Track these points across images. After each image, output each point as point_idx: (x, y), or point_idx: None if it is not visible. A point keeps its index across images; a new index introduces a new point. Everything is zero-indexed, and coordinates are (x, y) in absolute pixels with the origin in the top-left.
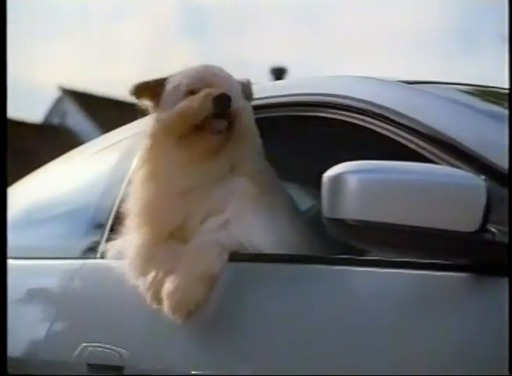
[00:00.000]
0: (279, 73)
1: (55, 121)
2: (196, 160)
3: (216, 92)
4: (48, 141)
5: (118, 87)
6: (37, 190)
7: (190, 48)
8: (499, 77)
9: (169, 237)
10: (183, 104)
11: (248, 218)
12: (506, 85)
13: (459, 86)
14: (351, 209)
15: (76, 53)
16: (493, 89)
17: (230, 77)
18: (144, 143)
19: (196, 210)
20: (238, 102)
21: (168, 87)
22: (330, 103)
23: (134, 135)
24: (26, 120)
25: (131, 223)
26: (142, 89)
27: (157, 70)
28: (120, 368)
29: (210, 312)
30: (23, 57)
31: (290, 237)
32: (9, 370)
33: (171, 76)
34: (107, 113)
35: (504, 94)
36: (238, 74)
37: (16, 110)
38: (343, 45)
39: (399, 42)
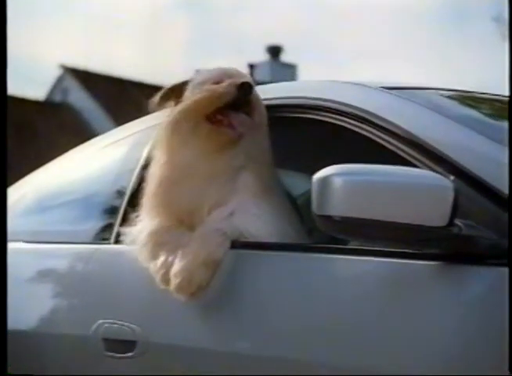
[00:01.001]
0: (275, 51)
1: (57, 98)
2: (211, 152)
3: (240, 80)
4: (51, 117)
5: (118, 64)
6: (53, 178)
7: (188, 24)
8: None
9: (179, 224)
10: (210, 87)
11: (250, 211)
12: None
13: (441, 91)
14: (338, 207)
15: (76, 31)
16: (472, 94)
17: (248, 76)
18: (163, 130)
19: (205, 200)
20: (256, 93)
21: (193, 84)
22: (320, 106)
23: (146, 129)
24: (29, 97)
25: (145, 207)
26: (165, 96)
27: (155, 47)
28: (133, 342)
29: (215, 292)
30: (24, 35)
31: (285, 229)
32: (28, 344)
33: (192, 77)
34: (108, 90)
35: (482, 98)
36: (234, 52)
37: (19, 87)
38: (340, 22)
39: (396, 16)
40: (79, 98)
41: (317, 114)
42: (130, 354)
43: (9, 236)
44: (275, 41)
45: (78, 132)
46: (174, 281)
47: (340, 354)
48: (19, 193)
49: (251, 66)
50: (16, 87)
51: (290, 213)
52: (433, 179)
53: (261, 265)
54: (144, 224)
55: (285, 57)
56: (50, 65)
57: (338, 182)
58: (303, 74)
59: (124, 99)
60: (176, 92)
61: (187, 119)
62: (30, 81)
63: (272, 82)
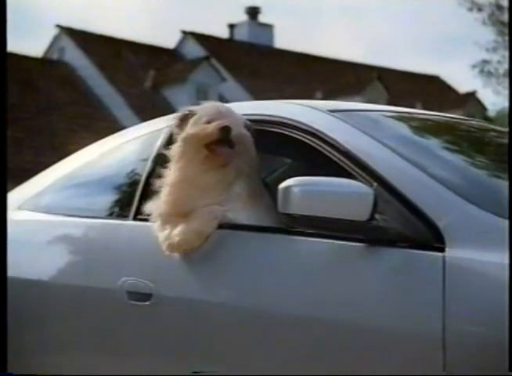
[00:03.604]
0: (253, 11)
1: (54, 56)
2: (207, 170)
3: (222, 123)
4: (48, 74)
5: (112, 25)
6: (79, 164)
7: None
8: None
9: (180, 217)
10: (201, 127)
11: (236, 206)
12: None
13: (384, 112)
14: (296, 207)
15: None
16: (409, 114)
17: (234, 113)
18: (178, 145)
19: (201, 204)
20: (238, 131)
21: (194, 118)
22: (277, 121)
23: (156, 130)
24: (28, 54)
25: (162, 194)
26: (180, 121)
27: (147, 8)
28: (149, 295)
29: (210, 258)
30: None
31: (261, 216)
32: (64, 294)
33: (193, 111)
34: (102, 49)
35: (417, 118)
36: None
37: (21, 44)
38: None
39: None
40: (75, 56)
41: (277, 128)
42: (147, 303)
43: (52, 209)
44: (253, 2)
45: (74, 88)
46: (173, 242)
47: (300, 305)
48: (56, 174)
49: (231, 26)
50: (18, 44)
51: (270, 211)
52: (359, 187)
53: (240, 241)
54: (158, 204)
55: (263, 18)
56: (48, 24)
57: (296, 190)
58: (279, 33)
59: (117, 57)
60: (183, 121)
61: (190, 146)
62: (30, 39)
63: (250, 41)
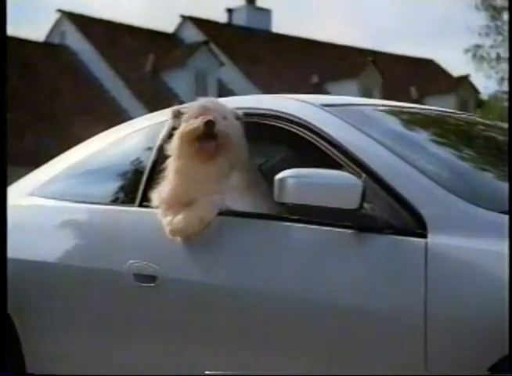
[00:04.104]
0: None
1: (56, 40)
2: (201, 162)
3: (205, 118)
4: (50, 57)
5: (112, 9)
6: (87, 153)
7: None
8: None
9: (182, 205)
10: (188, 124)
11: (234, 194)
12: None
13: (376, 106)
14: (290, 197)
15: None
16: (401, 108)
17: (222, 107)
18: (174, 141)
19: (199, 195)
20: (223, 124)
21: (186, 115)
22: (274, 115)
23: (163, 121)
24: (31, 38)
25: (165, 185)
26: (174, 117)
27: None
28: (154, 277)
29: (210, 243)
30: None
31: (258, 204)
32: (73, 275)
33: (184, 107)
34: (102, 33)
35: (407, 112)
36: None
37: (23, 29)
38: None
39: None
40: (76, 40)
41: (274, 121)
42: (152, 284)
43: (61, 196)
44: None
45: (75, 72)
46: (177, 228)
47: (293, 286)
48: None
49: (229, 11)
50: (19, 29)
51: (267, 199)
52: (349, 179)
53: (238, 227)
54: (162, 193)
55: (260, 3)
56: (50, 9)
57: (291, 181)
58: (276, 18)
59: (116, 41)
60: (177, 117)
61: (184, 140)
62: (31, 23)
63: (248, 26)
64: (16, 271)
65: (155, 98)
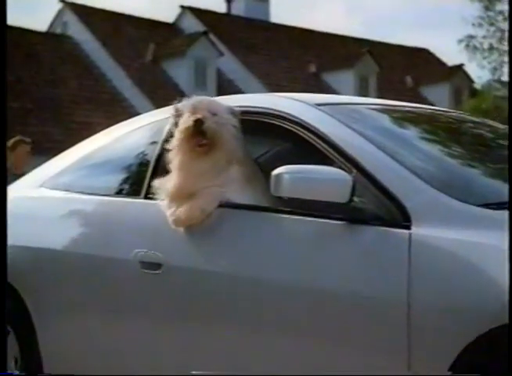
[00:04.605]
0: None
1: (58, 30)
2: (198, 157)
3: (194, 117)
4: (52, 47)
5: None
6: (95, 147)
7: None
8: None
9: (184, 197)
10: (181, 123)
11: (234, 187)
12: None
13: (368, 105)
14: (286, 191)
15: None
16: (391, 106)
17: (211, 104)
18: (175, 137)
19: (199, 188)
20: (212, 121)
21: (183, 111)
22: (270, 113)
23: (168, 117)
24: (34, 28)
25: (168, 178)
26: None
27: None
28: (159, 264)
29: (212, 233)
30: None
31: (257, 197)
32: (82, 264)
33: (182, 105)
34: (104, 23)
35: (399, 110)
36: None
37: (26, 19)
38: None
39: None
40: (78, 30)
41: (270, 119)
42: (158, 272)
43: (70, 188)
44: None
45: (77, 62)
46: (180, 218)
47: (288, 274)
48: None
49: (228, 1)
50: (22, 18)
51: (265, 193)
52: (340, 174)
53: (236, 218)
54: (166, 186)
55: None
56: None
57: (286, 177)
58: (275, 8)
59: (118, 31)
60: (178, 114)
61: (181, 138)
62: (34, 13)
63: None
64: (28, 258)
65: (155, 87)
